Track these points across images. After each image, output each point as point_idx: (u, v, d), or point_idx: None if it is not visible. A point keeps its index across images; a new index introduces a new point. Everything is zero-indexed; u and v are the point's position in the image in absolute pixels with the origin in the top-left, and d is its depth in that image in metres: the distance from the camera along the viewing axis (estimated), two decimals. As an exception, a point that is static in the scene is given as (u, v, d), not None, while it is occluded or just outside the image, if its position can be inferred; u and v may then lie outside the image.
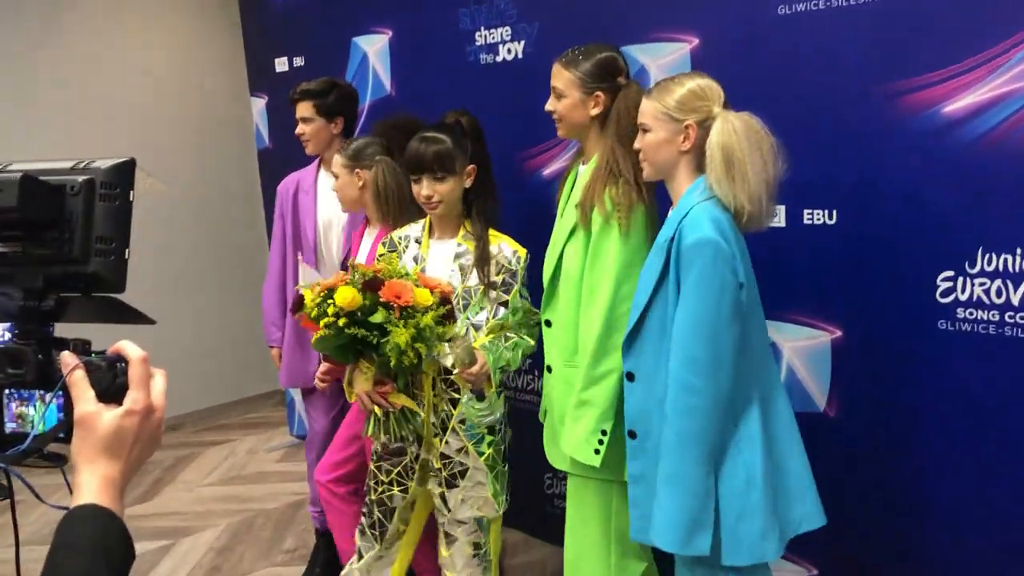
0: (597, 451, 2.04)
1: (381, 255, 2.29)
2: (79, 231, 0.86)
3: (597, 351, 2.04)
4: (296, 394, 4.21)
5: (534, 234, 2.46)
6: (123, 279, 0.89)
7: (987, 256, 1.97)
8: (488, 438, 2.22)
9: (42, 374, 0.88)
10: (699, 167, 1.85)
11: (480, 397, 2.12)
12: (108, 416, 0.84)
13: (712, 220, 1.76)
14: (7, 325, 0.89)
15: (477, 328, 2.19)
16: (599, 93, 2.09)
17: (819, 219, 2.23)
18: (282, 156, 3.96)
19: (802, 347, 2.32)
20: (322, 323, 1.93)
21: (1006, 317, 1.96)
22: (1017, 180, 1.91)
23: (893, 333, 2.14)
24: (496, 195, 2.31)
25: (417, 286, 1.97)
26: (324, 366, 2.67)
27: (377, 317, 1.89)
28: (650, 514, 1.85)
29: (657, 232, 1.94)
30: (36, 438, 0.86)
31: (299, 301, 2.00)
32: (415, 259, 2.25)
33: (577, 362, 2.13)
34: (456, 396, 2.19)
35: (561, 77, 2.12)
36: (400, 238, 2.32)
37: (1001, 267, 1.96)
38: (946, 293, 2.05)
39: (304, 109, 2.87)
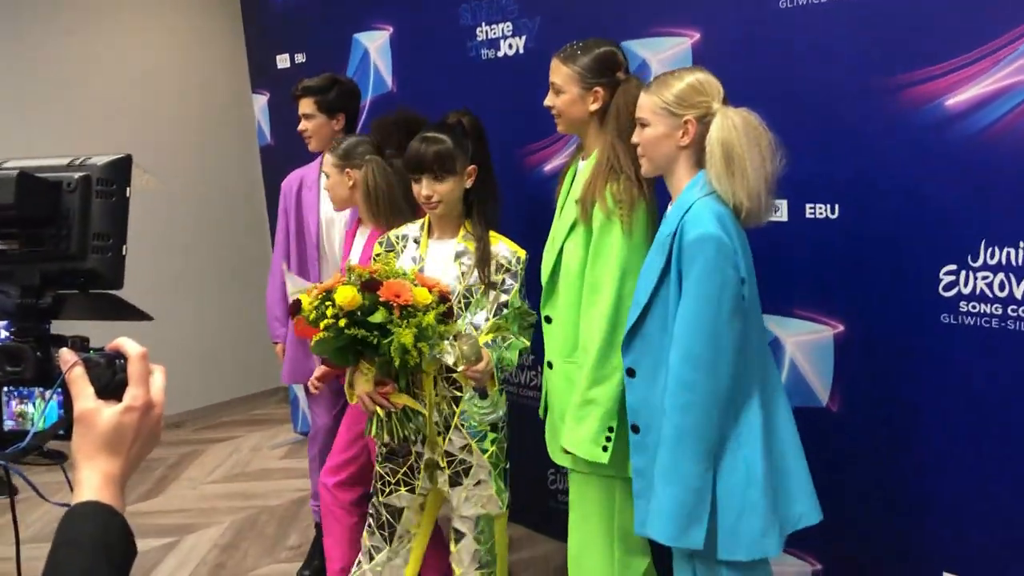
0: (605, 448, 2.04)
1: (378, 255, 2.29)
2: (76, 228, 0.86)
3: (602, 350, 2.03)
4: (299, 390, 4.21)
5: (535, 230, 2.46)
6: (121, 275, 0.89)
7: (990, 249, 1.97)
8: (491, 435, 2.22)
9: (41, 371, 0.88)
10: (698, 162, 1.84)
11: (483, 395, 2.12)
12: (108, 412, 0.85)
13: (715, 215, 1.76)
14: (4, 323, 0.89)
15: (477, 328, 2.19)
16: (598, 88, 2.09)
17: (821, 213, 2.23)
18: (284, 153, 3.97)
19: (805, 341, 2.32)
20: (322, 325, 1.92)
21: (1009, 311, 1.96)
22: (1020, 173, 1.90)
23: (896, 327, 2.14)
24: (497, 196, 2.31)
25: (415, 285, 1.96)
26: (318, 371, 2.68)
27: (377, 317, 1.89)
28: (652, 508, 1.85)
29: (657, 228, 1.94)
30: (36, 435, 0.87)
31: (296, 305, 2.00)
32: (413, 259, 2.25)
33: (577, 358, 2.13)
34: (458, 394, 2.19)
35: (560, 72, 2.11)
36: (398, 238, 2.32)
37: (1004, 260, 1.95)
38: (949, 287, 2.04)
39: (306, 105, 2.87)
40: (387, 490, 2.29)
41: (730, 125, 1.75)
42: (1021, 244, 1.92)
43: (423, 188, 2.18)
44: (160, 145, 4.75)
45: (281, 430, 4.77)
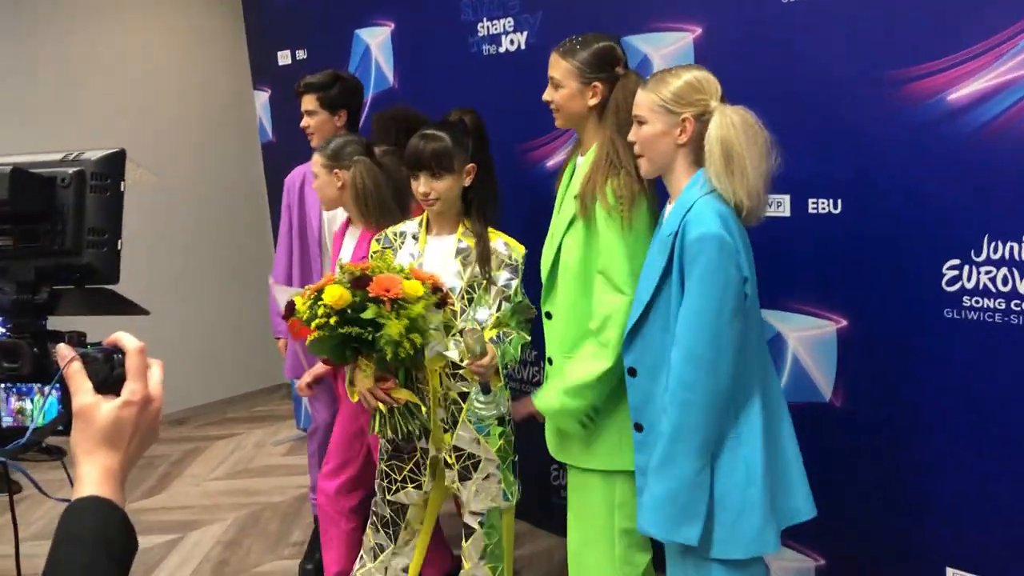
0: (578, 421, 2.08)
1: (375, 252, 2.30)
2: (71, 223, 0.86)
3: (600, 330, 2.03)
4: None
5: (537, 227, 2.45)
6: (116, 270, 0.89)
7: (993, 244, 1.96)
8: (498, 429, 2.22)
9: (38, 367, 0.88)
10: (696, 161, 1.83)
11: (486, 390, 2.12)
12: (106, 407, 0.85)
13: (717, 214, 1.74)
14: (1, 319, 0.89)
15: (481, 324, 2.19)
16: (597, 83, 2.08)
17: (824, 208, 2.22)
18: (286, 149, 3.97)
19: (807, 337, 2.31)
20: (313, 325, 1.93)
21: (1012, 305, 1.95)
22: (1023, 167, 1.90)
23: (899, 322, 2.13)
24: (497, 195, 2.30)
25: (407, 279, 1.97)
26: (307, 375, 2.67)
27: (368, 313, 1.89)
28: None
29: (658, 222, 1.93)
30: (35, 431, 0.86)
31: (290, 307, 2.00)
32: (411, 255, 2.25)
33: (577, 354, 2.12)
34: (465, 390, 2.19)
35: (559, 67, 2.10)
36: (396, 234, 2.32)
37: (1007, 255, 1.94)
38: (952, 282, 2.03)
39: (308, 102, 2.87)
40: (393, 488, 2.29)
41: (729, 123, 1.74)
42: (1024, 238, 1.92)
43: (420, 185, 2.18)
44: (161, 144, 4.75)
45: (283, 426, 4.77)
